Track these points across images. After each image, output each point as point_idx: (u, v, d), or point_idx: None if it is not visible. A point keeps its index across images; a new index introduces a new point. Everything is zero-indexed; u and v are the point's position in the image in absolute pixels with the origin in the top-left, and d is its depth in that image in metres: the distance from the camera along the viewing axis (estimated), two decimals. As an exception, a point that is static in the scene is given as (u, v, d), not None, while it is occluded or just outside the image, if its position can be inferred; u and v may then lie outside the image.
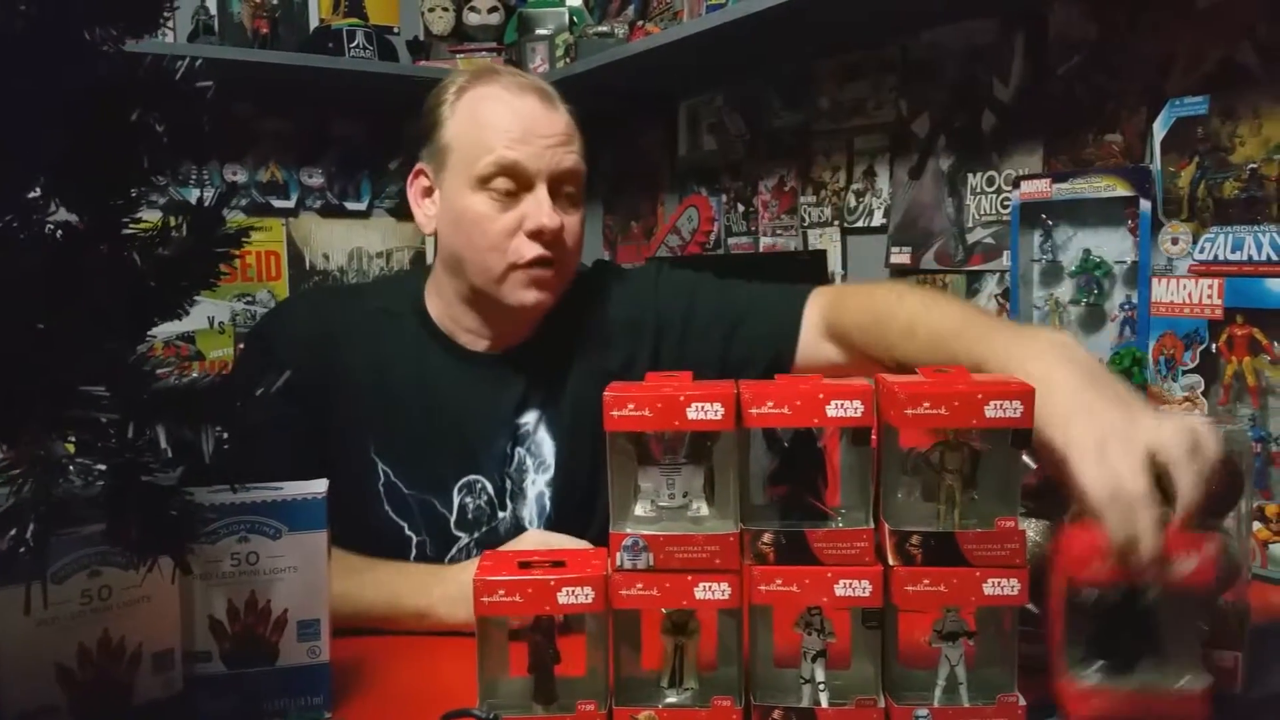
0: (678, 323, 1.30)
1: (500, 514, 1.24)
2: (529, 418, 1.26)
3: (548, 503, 1.26)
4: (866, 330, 1.16)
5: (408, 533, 1.22)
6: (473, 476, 1.24)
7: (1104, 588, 0.80)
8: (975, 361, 0.95)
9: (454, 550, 1.23)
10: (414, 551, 1.22)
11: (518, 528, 1.24)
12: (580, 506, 1.26)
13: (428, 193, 1.25)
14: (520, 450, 1.26)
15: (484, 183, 1.17)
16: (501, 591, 0.79)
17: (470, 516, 1.24)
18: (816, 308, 1.25)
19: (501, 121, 1.18)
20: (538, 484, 1.26)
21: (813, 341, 1.24)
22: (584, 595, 0.79)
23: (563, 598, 0.79)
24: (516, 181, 1.17)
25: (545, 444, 1.27)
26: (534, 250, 1.17)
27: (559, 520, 1.25)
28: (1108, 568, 0.77)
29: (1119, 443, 0.79)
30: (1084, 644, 0.81)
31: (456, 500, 1.23)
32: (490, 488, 1.24)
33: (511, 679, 0.85)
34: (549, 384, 1.27)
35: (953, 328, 1.03)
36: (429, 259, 2.93)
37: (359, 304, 1.29)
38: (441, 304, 1.27)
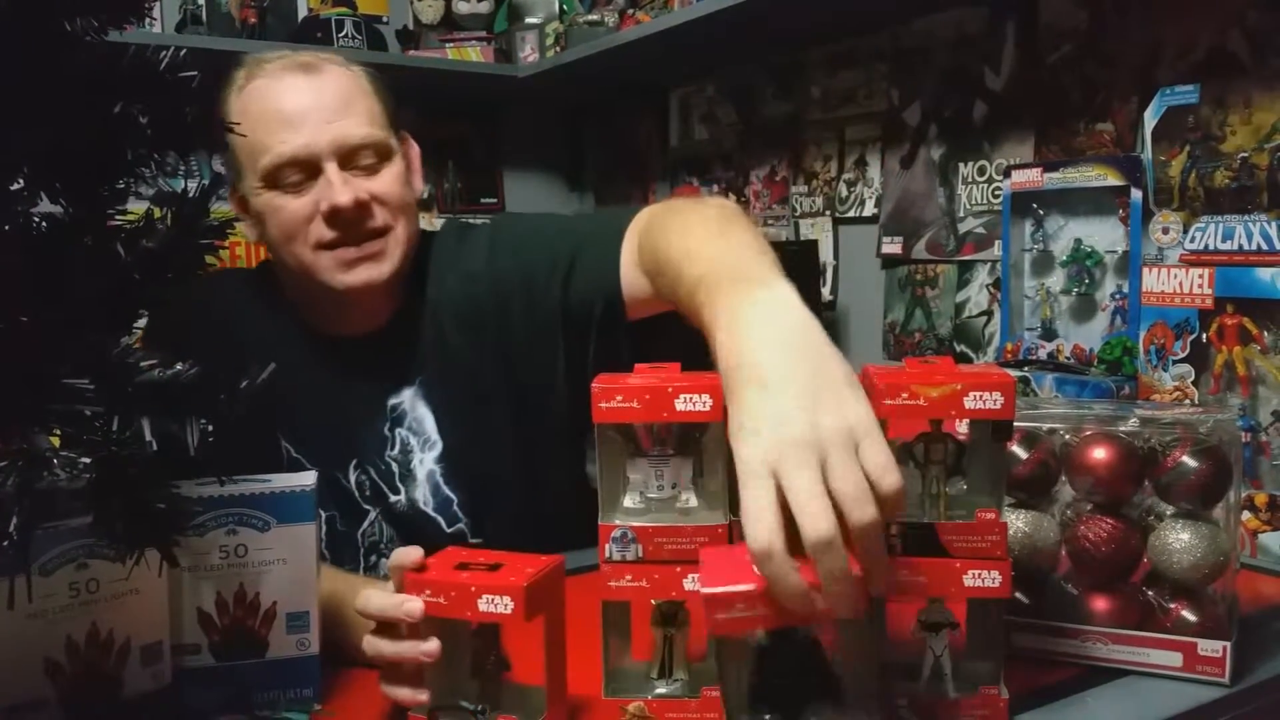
0: (518, 287, 1.23)
1: (394, 497, 1.24)
2: (403, 396, 1.24)
3: (440, 480, 1.24)
4: (652, 270, 1.07)
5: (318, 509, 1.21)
6: (357, 460, 1.24)
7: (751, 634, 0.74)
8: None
9: (365, 524, 1.24)
10: (325, 526, 1.21)
11: (414, 509, 1.24)
12: (485, 486, 1.24)
13: (243, 204, 1.20)
14: (401, 431, 1.24)
15: (272, 181, 1.13)
16: (428, 591, 0.77)
17: (369, 494, 1.24)
18: (631, 239, 1.17)
19: (268, 115, 1.13)
20: (426, 463, 1.24)
21: (631, 278, 1.16)
22: (503, 605, 0.75)
23: (483, 605, 0.75)
24: (302, 170, 1.12)
25: (426, 420, 1.24)
26: (330, 233, 1.13)
27: (462, 501, 1.23)
28: (753, 615, 0.68)
29: (792, 470, 0.67)
30: (748, 692, 0.75)
31: (354, 478, 1.23)
32: (374, 472, 1.24)
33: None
34: (417, 361, 1.24)
35: (687, 270, 0.92)
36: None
37: (244, 287, 1.28)
38: (300, 297, 1.24)
